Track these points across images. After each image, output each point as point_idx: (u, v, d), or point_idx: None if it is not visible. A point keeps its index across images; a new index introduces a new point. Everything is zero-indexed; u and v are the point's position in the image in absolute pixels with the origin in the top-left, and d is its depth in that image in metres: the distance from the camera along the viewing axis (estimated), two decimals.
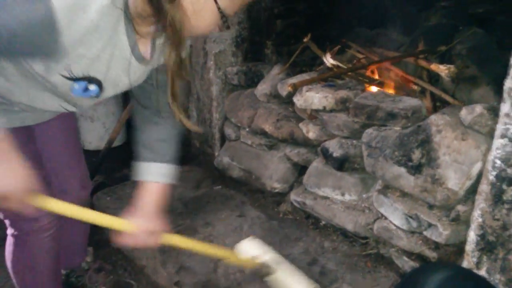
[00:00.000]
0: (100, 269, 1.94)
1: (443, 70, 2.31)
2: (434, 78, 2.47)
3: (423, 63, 2.41)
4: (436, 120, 1.79)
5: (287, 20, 2.98)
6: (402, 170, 1.85)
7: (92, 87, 1.12)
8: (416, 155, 1.81)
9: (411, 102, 1.97)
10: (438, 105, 2.30)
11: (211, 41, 2.71)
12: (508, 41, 2.27)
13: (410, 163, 1.83)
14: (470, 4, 2.45)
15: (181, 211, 2.44)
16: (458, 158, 1.71)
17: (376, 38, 2.85)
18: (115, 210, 2.48)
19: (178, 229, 2.22)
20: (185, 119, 1.25)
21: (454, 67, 2.27)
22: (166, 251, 2.07)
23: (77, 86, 1.10)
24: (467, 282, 0.73)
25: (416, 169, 1.81)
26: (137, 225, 1.27)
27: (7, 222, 1.46)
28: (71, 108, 1.30)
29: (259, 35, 2.85)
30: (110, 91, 1.18)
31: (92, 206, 2.62)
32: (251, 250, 1.54)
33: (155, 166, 1.35)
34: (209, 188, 2.67)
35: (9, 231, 1.49)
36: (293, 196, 2.34)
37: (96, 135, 3.47)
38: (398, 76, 2.46)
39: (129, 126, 3.60)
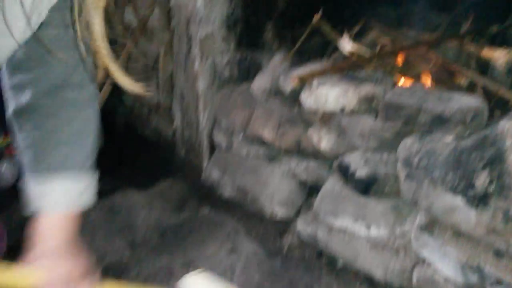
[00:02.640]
0: None
1: (499, 57, 1.74)
2: (482, 68, 1.90)
3: (471, 47, 1.83)
4: (511, 128, 1.21)
5: None
6: (459, 200, 1.29)
7: None
8: (481, 180, 1.24)
9: (467, 101, 1.40)
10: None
11: (195, 22, 2.14)
12: None
13: (471, 191, 1.26)
14: None
15: (156, 244, 1.90)
16: None
17: (404, 18, 2.26)
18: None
19: (148, 273, 1.68)
20: (121, 73, 0.73)
21: None
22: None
23: None
24: None
25: (480, 200, 1.25)
26: (47, 272, 0.73)
27: None
28: None
29: (257, 15, 2.28)
30: None
31: None
32: None
33: (55, 185, 0.76)
34: (194, 211, 2.12)
35: None
36: (300, 225, 1.78)
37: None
38: (437, 65, 1.88)
39: None
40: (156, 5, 2.40)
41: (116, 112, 3.24)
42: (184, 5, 2.18)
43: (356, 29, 2.11)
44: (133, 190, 2.28)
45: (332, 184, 1.70)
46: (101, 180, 2.80)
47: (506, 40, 1.86)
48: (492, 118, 1.58)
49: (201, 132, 2.33)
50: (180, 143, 2.57)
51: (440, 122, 1.38)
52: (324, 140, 1.75)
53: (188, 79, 2.30)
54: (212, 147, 2.31)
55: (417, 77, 1.82)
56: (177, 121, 2.54)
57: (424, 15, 2.15)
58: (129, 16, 2.67)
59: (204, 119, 2.29)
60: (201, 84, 2.22)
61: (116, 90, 3.03)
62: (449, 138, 1.37)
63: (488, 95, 1.72)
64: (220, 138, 2.20)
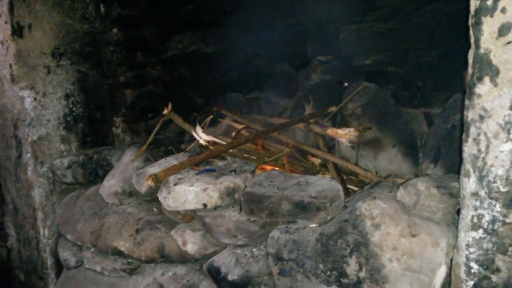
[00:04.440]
0: None
1: (342, 134, 1.87)
2: (329, 145, 2.03)
3: (316, 128, 1.94)
4: (369, 209, 1.24)
5: (139, 89, 2.31)
6: None
7: None
8: (352, 266, 1.21)
9: (324, 184, 1.41)
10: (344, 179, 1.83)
11: (24, 124, 1.84)
12: (405, 94, 1.97)
13: (344, 280, 1.22)
14: (353, 56, 2.11)
15: None
16: (412, 264, 1.16)
17: (253, 103, 2.35)
18: None
19: None
20: None
21: (354, 130, 1.85)
22: None
23: None
24: None
25: None
26: None
27: None
28: None
29: (102, 110, 2.10)
30: None
31: None
32: None
33: None
34: None
35: None
36: None
37: None
38: (290, 147, 1.94)
39: None
40: None
41: None
42: (10, 106, 1.88)
43: (209, 117, 2.08)
44: None
45: None
46: None
47: (344, 119, 2.03)
48: (347, 193, 1.64)
49: (42, 250, 1.94)
50: (18, 265, 2.10)
51: (302, 209, 1.34)
52: (189, 242, 1.58)
53: (21, 189, 1.93)
54: (59, 266, 1.93)
55: (273, 161, 1.83)
56: (12, 239, 2.10)
57: (269, 101, 2.26)
58: None
59: (45, 234, 1.92)
60: (38, 194, 1.88)
61: None
62: (313, 225, 1.34)
63: (338, 170, 1.81)
64: (67, 255, 1.85)
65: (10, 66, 1.82)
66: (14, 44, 1.80)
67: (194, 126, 1.97)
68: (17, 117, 1.87)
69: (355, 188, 1.77)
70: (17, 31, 1.80)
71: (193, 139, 2.07)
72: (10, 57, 1.81)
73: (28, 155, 1.85)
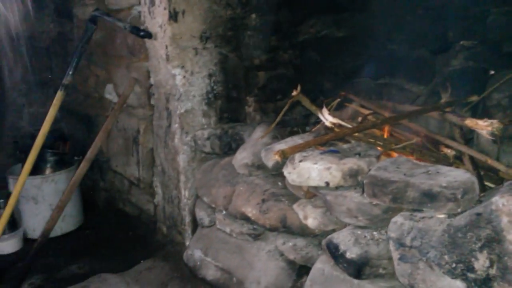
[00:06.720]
0: None
1: (483, 126, 1.72)
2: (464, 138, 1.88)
3: (453, 118, 1.83)
4: (507, 204, 1.15)
5: (271, 71, 2.44)
6: (459, 285, 1.18)
7: None
8: (481, 261, 1.15)
9: (456, 175, 1.35)
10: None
11: (174, 98, 2.12)
12: None
13: (471, 275, 1.16)
14: (502, 42, 1.91)
15: None
16: None
17: (382, 90, 2.30)
18: None
19: None
20: None
21: (498, 122, 1.69)
22: None
23: None
24: None
25: (482, 284, 1.15)
26: None
27: None
28: None
29: (237, 90, 2.29)
30: None
31: None
32: None
33: None
34: None
35: None
36: None
37: (41, 220, 2.74)
38: (421, 136, 1.87)
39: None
40: (137, 82, 2.40)
41: (96, 187, 3.14)
42: (164, 82, 2.18)
43: (337, 101, 2.11)
44: (110, 273, 2.12)
45: (321, 266, 1.58)
46: (77, 262, 2.62)
47: (486, 109, 1.87)
48: (483, 189, 1.53)
49: (183, 208, 2.22)
50: (162, 220, 2.45)
51: (429, 198, 1.31)
52: (310, 217, 1.65)
53: (169, 155, 2.24)
54: (195, 224, 2.20)
55: (401, 149, 1.79)
56: (159, 197, 2.44)
57: (401, 87, 2.18)
58: (109, 93, 2.68)
59: (185, 195, 2.20)
60: (182, 159, 2.16)
61: (97, 165, 2.95)
62: (441, 216, 1.30)
63: (475, 164, 1.69)
64: (202, 215, 2.09)
65: (166, 47, 2.10)
66: (170, 28, 2.07)
67: (321, 108, 2.02)
68: (169, 92, 2.16)
69: (493, 185, 1.64)
70: (173, 16, 2.06)
71: (318, 121, 2.13)
72: (166, 39, 2.09)
73: (176, 125, 2.14)
